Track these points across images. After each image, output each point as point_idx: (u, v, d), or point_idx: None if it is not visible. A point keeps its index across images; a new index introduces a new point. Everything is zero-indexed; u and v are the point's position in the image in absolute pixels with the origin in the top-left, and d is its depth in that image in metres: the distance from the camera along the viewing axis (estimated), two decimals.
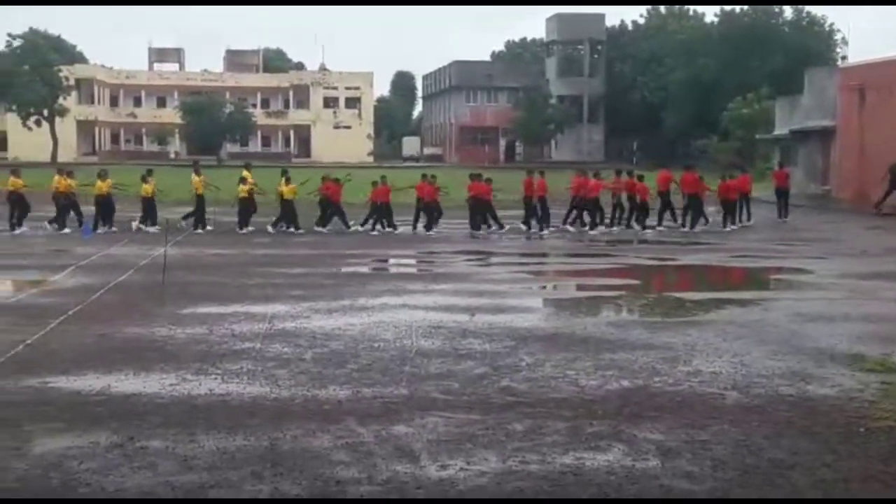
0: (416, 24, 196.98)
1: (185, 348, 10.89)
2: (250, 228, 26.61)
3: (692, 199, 28.75)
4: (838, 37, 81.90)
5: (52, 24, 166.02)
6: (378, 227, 27.05)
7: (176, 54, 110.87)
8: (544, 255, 23.19)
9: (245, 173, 27.82)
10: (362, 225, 27.11)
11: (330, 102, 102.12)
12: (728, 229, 28.45)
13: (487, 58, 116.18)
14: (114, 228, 26.03)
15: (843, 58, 75.43)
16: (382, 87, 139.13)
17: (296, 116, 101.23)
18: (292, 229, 26.57)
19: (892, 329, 12.40)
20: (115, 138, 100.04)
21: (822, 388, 9.21)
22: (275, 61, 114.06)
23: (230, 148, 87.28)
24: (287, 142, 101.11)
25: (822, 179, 42.61)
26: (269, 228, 26.65)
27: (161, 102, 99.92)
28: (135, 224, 26.62)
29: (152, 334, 11.70)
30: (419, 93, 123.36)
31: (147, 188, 27.22)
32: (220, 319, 12.70)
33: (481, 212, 27.47)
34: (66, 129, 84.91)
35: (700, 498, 6.33)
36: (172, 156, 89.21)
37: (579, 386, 9.21)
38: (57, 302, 14.07)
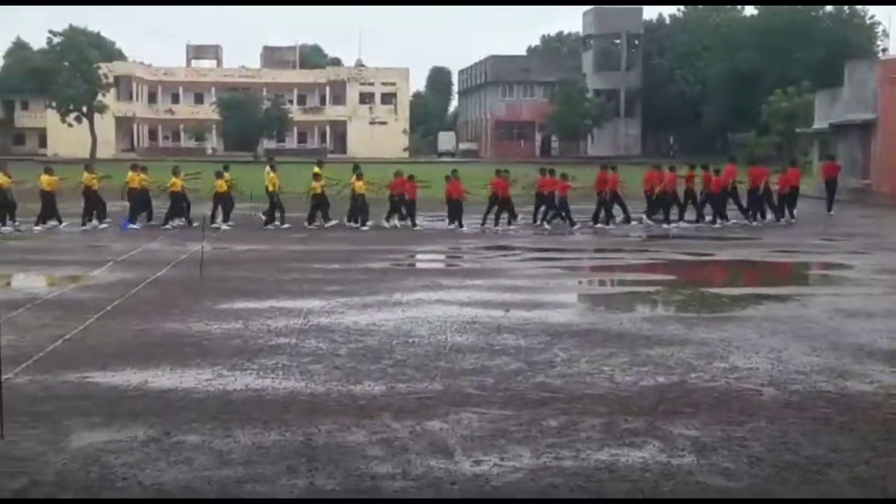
0: (452, 20, 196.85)
1: (221, 343, 10.96)
2: (317, 224, 26.93)
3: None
4: (879, 29, 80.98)
5: (91, 22, 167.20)
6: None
7: (213, 51, 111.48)
8: (579, 250, 23.10)
9: (317, 170, 27.88)
10: (451, 223, 27.17)
11: (366, 98, 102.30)
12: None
13: (523, 52, 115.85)
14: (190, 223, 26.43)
15: (884, 50, 74.56)
16: (418, 83, 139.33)
17: (332, 112, 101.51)
18: (354, 224, 26.90)
19: None
20: (152, 135, 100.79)
21: (860, 384, 9.12)
22: (311, 57, 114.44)
23: (267, 144, 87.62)
24: (323, 137, 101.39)
25: (863, 174, 42.08)
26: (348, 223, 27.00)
27: (198, 99, 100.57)
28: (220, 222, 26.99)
29: (189, 329, 11.79)
30: (455, 88, 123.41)
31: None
32: (256, 315, 12.77)
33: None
34: (105, 125, 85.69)
35: (739, 498, 6.28)
36: (210, 152, 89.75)
37: (614, 382, 9.17)
38: (96, 297, 14.21)
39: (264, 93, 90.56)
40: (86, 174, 27.23)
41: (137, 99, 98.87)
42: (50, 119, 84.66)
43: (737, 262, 20.52)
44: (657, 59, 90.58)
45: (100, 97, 78.98)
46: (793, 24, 72.73)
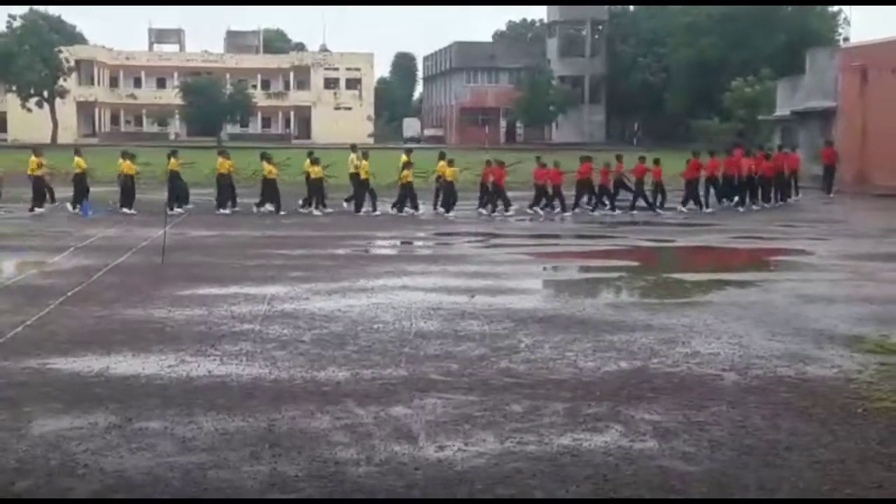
0: (416, 5, 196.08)
1: (184, 329, 10.90)
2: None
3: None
4: (840, 17, 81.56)
5: (51, 6, 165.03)
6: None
7: (176, 35, 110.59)
8: (545, 236, 23.16)
9: (405, 158, 27.53)
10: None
11: (330, 83, 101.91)
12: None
13: (489, 38, 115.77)
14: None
15: (846, 39, 75.10)
16: (383, 69, 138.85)
17: (296, 97, 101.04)
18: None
19: (891, 310, 12.39)
20: (115, 119, 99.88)
21: (820, 369, 9.22)
22: (275, 42, 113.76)
23: (230, 129, 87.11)
24: (287, 123, 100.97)
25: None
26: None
27: (161, 83, 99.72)
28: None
29: (151, 316, 11.71)
30: (420, 74, 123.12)
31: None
32: (219, 301, 12.71)
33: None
34: (66, 110, 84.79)
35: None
36: (172, 137, 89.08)
37: (578, 367, 9.22)
38: (56, 283, 14.08)
39: (227, 78, 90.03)
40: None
41: (99, 83, 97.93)
42: (10, 104, 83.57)
43: (699, 248, 20.67)
44: (621, 46, 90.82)
45: (61, 81, 78.15)
46: (755, 12, 72.98)
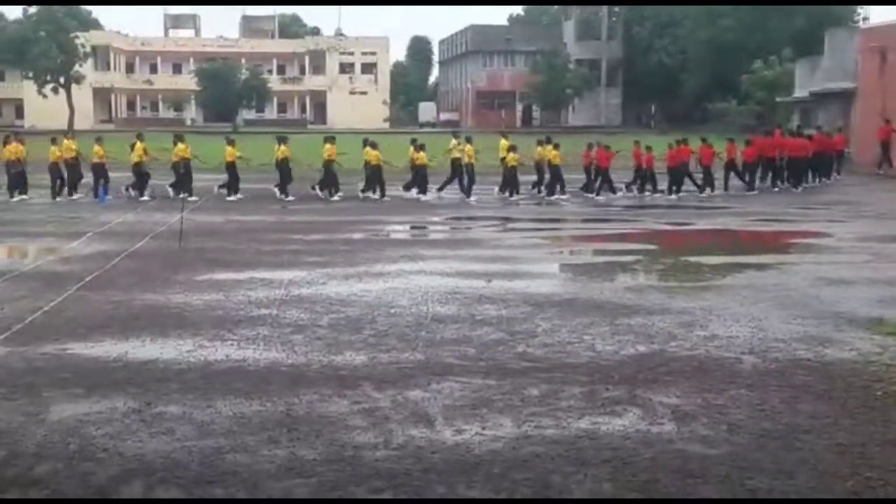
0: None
1: (202, 315, 10.92)
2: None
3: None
4: None
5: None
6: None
7: (191, 20, 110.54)
8: (561, 220, 23.11)
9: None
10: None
11: (346, 68, 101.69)
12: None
13: (505, 21, 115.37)
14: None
15: (865, 19, 74.49)
16: (398, 53, 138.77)
17: (312, 82, 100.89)
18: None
19: None
20: (131, 105, 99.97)
21: (840, 352, 9.17)
22: (290, 27, 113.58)
23: (246, 114, 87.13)
24: (303, 108, 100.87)
25: None
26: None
27: (177, 69, 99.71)
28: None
29: (169, 301, 11.74)
30: (435, 58, 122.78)
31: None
32: (237, 286, 12.73)
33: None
34: (83, 96, 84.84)
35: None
36: (189, 122, 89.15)
37: (595, 351, 9.19)
38: (74, 269, 14.13)
39: (243, 63, 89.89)
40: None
41: (115, 69, 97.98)
42: (27, 90, 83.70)
43: (717, 230, 20.57)
44: (638, 29, 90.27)
45: (77, 67, 78.17)
46: None
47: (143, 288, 12.61)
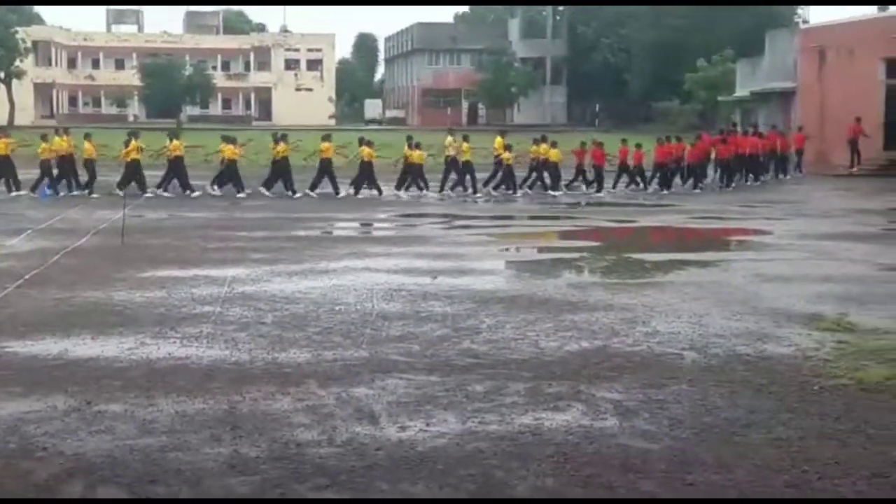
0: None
1: (144, 312, 10.81)
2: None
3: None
4: None
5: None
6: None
7: (134, 16, 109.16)
8: (508, 217, 23.21)
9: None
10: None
11: (291, 65, 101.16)
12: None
13: (450, 19, 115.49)
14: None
15: (805, 21, 75.60)
16: (344, 50, 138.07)
17: (257, 79, 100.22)
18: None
19: (849, 289, 12.53)
20: (72, 101, 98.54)
21: (779, 347, 9.31)
22: (235, 23, 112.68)
23: (190, 111, 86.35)
24: (248, 104, 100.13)
25: None
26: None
27: (119, 65, 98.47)
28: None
29: (111, 298, 11.61)
30: (381, 55, 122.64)
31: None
32: (180, 283, 12.63)
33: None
34: (23, 92, 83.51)
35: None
36: (131, 118, 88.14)
37: (539, 347, 9.25)
38: (14, 266, 13.91)
39: (187, 59, 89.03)
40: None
41: (56, 64, 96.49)
42: None
43: (659, 228, 20.80)
44: (583, 28, 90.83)
45: (17, 63, 76.95)
46: None
47: (85, 285, 12.46)
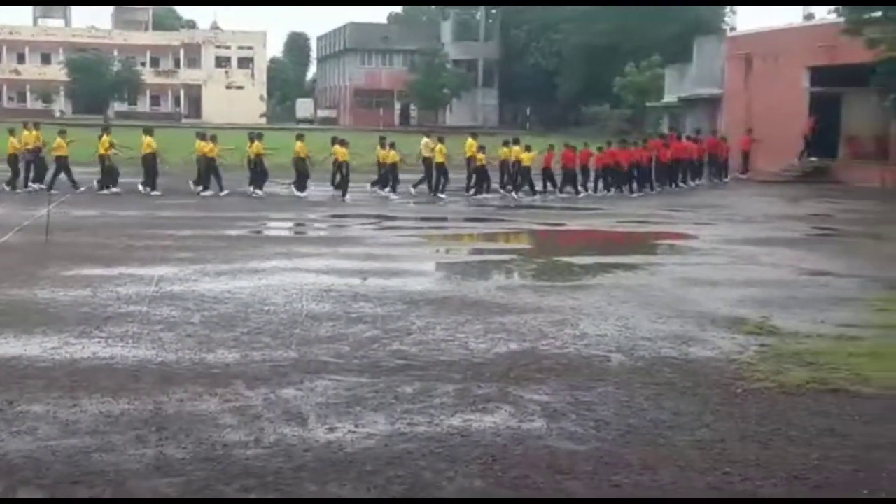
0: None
1: (69, 311, 10.64)
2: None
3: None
4: (728, 7, 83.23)
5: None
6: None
7: (62, 10, 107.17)
8: (438, 219, 23.25)
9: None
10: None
11: (222, 62, 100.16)
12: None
13: (383, 20, 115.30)
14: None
15: (732, 28, 76.79)
16: (276, 48, 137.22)
17: (186, 76, 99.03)
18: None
19: (771, 293, 12.76)
20: None
21: (703, 350, 9.46)
22: (165, 19, 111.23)
23: (117, 107, 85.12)
24: (177, 102, 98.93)
25: None
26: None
27: (46, 59, 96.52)
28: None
29: (34, 296, 11.40)
30: (313, 54, 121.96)
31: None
32: (105, 282, 12.44)
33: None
34: None
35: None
36: (58, 114, 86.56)
37: (468, 349, 9.29)
38: None
39: (115, 54, 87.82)
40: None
41: None
42: None
43: (587, 231, 20.98)
44: (515, 31, 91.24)
45: None
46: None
47: (7, 283, 12.22)
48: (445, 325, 10.31)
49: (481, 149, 28.21)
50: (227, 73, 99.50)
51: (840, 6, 28.02)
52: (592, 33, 74.96)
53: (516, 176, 28.79)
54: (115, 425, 6.86)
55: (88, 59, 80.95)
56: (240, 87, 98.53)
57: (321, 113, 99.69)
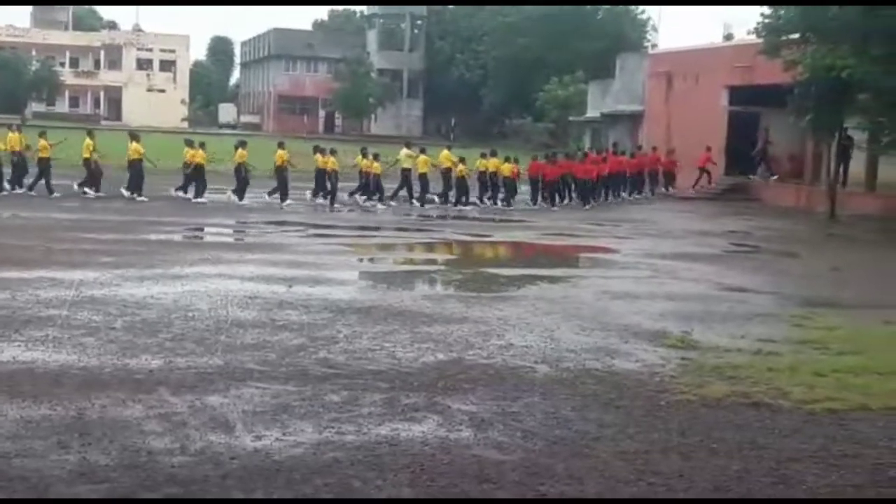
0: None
1: None
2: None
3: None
4: (649, 25, 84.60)
5: None
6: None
7: None
8: (366, 228, 23.22)
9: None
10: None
11: (143, 64, 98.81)
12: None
13: (308, 27, 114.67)
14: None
15: (653, 45, 78.03)
16: (199, 52, 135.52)
17: (107, 77, 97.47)
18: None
19: (692, 307, 12.98)
20: None
21: (626, 362, 9.59)
22: (86, 19, 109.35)
23: (35, 107, 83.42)
24: (97, 103, 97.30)
25: None
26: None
27: None
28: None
29: None
30: (237, 59, 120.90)
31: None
32: (24, 285, 12.19)
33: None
34: None
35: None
36: None
37: (396, 358, 9.29)
38: None
39: (34, 54, 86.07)
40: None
41: None
42: None
43: (512, 243, 21.14)
44: (440, 43, 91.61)
45: None
46: (573, 15, 75.00)
47: None
48: (372, 334, 10.30)
49: (462, 161, 28.88)
50: (148, 75, 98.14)
51: (759, 29, 28.58)
52: (515, 47, 75.61)
53: (495, 187, 29.55)
54: (36, 430, 6.74)
55: (6, 58, 79.17)
56: (161, 91, 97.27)
57: (244, 118, 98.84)
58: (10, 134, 26.06)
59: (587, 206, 30.66)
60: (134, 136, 26.91)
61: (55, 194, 25.27)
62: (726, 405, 8.18)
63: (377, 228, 23.23)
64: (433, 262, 17.26)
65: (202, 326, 10.27)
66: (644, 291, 14.33)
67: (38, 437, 6.60)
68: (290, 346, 9.58)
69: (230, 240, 20.10)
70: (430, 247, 19.76)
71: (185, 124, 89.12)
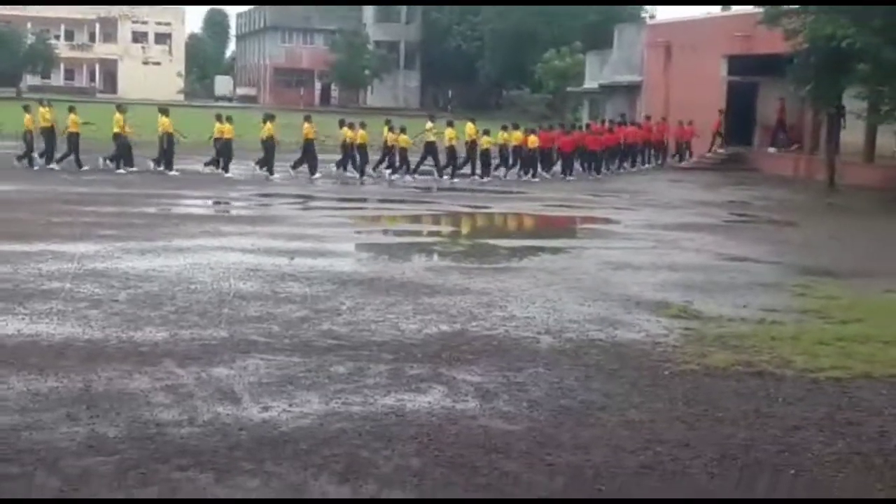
0: None
1: None
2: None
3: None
4: None
5: None
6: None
7: None
8: (364, 200, 23.21)
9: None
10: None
11: (139, 37, 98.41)
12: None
13: None
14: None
15: (651, 16, 77.71)
16: (194, 25, 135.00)
17: (102, 50, 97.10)
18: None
19: (693, 277, 13.00)
20: None
21: (629, 333, 9.61)
22: None
23: (30, 80, 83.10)
24: (92, 76, 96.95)
25: None
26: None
27: None
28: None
29: None
30: (233, 31, 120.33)
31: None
32: (26, 258, 12.20)
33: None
34: None
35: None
36: None
37: (399, 329, 9.31)
38: None
39: (29, 27, 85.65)
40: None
41: None
42: None
43: (513, 214, 21.14)
44: (437, 14, 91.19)
45: None
46: None
47: None
48: (375, 305, 10.32)
49: (486, 133, 28.77)
50: (143, 48, 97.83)
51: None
52: (513, 18, 75.27)
53: (527, 159, 29.75)
54: (44, 403, 6.76)
55: (1, 31, 78.83)
56: (157, 63, 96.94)
57: (240, 91, 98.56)
58: (41, 108, 26.00)
59: (599, 176, 31.10)
60: (163, 110, 26.68)
61: (84, 167, 25.23)
62: (730, 374, 8.20)
63: (376, 200, 23.21)
64: (434, 233, 17.28)
65: (205, 299, 10.28)
66: (645, 262, 14.33)
67: (46, 410, 6.62)
68: (294, 318, 9.59)
69: (229, 212, 20.03)
70: (430, 218, 19.74)
71: (182, 97, 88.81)
